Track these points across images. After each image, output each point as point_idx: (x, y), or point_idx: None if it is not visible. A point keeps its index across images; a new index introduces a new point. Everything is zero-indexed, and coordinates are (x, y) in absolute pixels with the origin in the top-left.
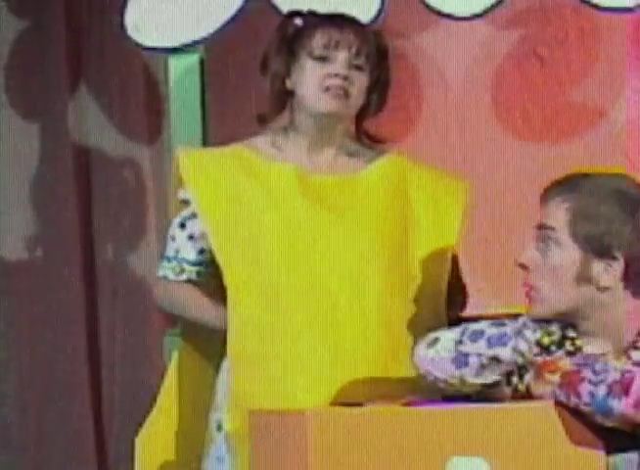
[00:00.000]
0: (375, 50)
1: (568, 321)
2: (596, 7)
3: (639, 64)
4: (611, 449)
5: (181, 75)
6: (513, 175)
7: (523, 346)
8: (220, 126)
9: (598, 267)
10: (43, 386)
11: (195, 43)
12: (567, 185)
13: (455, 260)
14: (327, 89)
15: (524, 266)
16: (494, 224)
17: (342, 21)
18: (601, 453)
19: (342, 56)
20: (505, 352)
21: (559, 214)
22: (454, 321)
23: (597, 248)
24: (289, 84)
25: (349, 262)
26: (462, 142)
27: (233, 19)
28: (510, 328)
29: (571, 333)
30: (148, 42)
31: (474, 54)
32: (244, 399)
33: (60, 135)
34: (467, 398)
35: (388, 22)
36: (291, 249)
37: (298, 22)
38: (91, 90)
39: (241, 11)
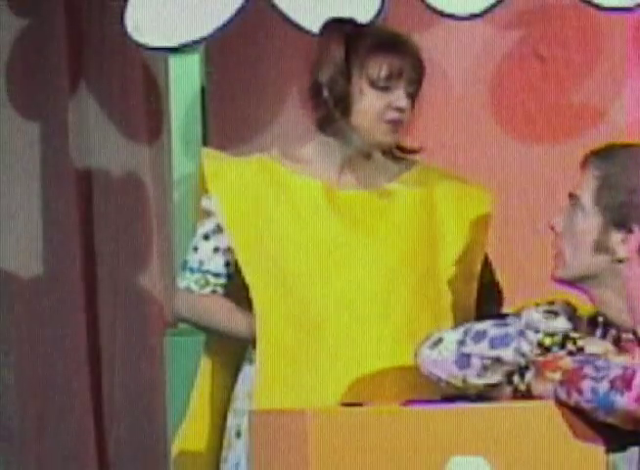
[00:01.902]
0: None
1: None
2: (597, 7)
3: (639, 64)
4: (611, 448)
5: (181, 75)
6: (513, 175)
7: (525, 347)
8: (220, 126)
9: (616, 238)
10: (43, 386)
11: (195, 43)
12: (602, 154)
13: (489, 265)
14: (387, 122)
15: (552, 229)
16: (494, 224)
17: (402, 46)
18: (601, 452)
19: (402, 86)
20: (507, 354)
21: (588, 182)
22: None
23: (616, 218)
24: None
25: (378, 279)
26: (462, 142)
27: (233, 19)
28: (512, 328)
29: (572, 333)
30: (148, 42)
31: (474, 54)
32: None
33: (60, 135)
34: (467, 397)
35: (389, 22)
36: (318, 265)
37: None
38: (91, 90)
39: (241, 11)
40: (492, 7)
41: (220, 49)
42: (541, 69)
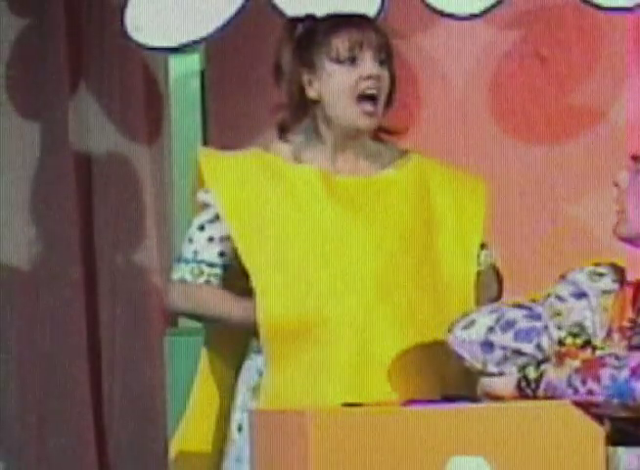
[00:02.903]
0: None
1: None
2: (597, 7)
3: (639, 64)
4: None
5: (181, 75)
6: (513, 175)
7: (545, 343)
8: (220, 126)
9: None
10: (43, 386)
11: (195, 43)
12: None
13: (488, 252)
14: (360, 98)
15: (616, 185)
16: (495, 224)
17: (357, 20)
18: (601, 452)
19: (369, 55)
20: (528, 348)
21: None
22: None
23: None
24: (312, 93)
25: (377, 262)
26: (462, 142)
27: (233, 18)
28: (540, 323)
29: (596, 340)
30: (148, 42)
31: (474, 54)
32: (276, 403)
33: (59, 135)
34: (467, 397)
35: (389, 22)
36: (318, 250)
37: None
38: (91, 90)
39: (241, 11)
40: (492, 7)
41: (220, 49)
42: (541, 69)
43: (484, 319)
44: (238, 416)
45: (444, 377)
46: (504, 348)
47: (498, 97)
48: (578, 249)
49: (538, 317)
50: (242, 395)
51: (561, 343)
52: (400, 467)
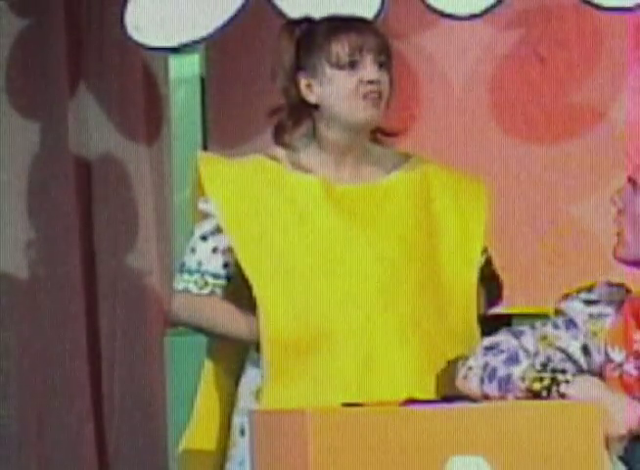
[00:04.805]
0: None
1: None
2: (597, 7)
3: (639, 64)
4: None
5: (181, 76)
6: (513, 175)
7: (520, 395)
8: (220, 127)
9: None
10: (43, 386)
11: (195, 43)
12: None
13: (489, 257)
14: (363, 97)
15: (614, 204)
16: (494, 224)
17: (356, 23)
18: (602, 452)
19: (369, 59)
20: (510, 396)
21: None
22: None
23: None
24: (312, 98)
25: (380, 270)
26: (462, 142)
27: (233, 19)
28: (518, 369)
29: (560, 376)
30: (148, 42)
31: (474, 54)
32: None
33: (59, 135)
34: (466, 397)
35: (389, 22)
36: (321, 260)
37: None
38: (91, 90)
39: (241, 11)
40: (492, 7)
41: (220, 49)
42: (541, 69)
43: (478, 370)
44: (240, 420)
45: (448, 385)
46: (496, 396)
47: (498, 97)
48: (578, 249)
49: (515, 360)
50: (244, 399)
51: (530, 391)
52: (400, 467)
